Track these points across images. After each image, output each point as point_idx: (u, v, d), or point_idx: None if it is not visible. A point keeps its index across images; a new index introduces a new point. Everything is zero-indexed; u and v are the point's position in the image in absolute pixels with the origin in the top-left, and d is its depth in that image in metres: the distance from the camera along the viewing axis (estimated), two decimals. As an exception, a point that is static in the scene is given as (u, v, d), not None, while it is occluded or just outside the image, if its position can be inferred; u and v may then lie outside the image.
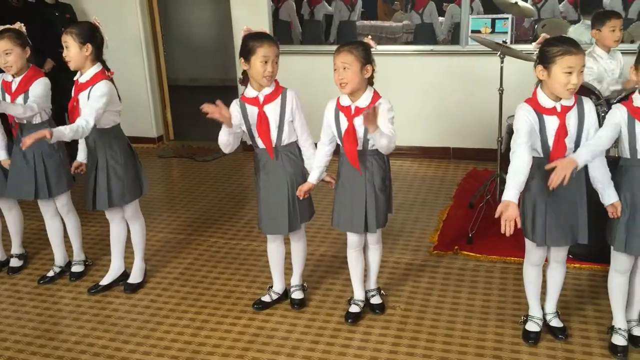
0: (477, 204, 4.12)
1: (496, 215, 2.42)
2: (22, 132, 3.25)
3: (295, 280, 3.25)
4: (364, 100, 2.76)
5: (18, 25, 3.28)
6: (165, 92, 6.36)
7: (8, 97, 3.25)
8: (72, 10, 5.65)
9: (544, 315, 2.91)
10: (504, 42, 4.08)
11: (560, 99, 2.52)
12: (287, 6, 5.71)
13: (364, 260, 3.10)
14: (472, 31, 5.14)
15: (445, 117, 5.40)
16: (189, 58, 8.85)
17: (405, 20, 5.63)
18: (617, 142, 2.60)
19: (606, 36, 3.83)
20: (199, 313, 3.22)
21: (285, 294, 3.28)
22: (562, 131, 2.52)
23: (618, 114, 2.51)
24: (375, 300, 3.16)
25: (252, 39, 2.81)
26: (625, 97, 3.33)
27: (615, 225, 2.60)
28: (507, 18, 5.06)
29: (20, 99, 3.22)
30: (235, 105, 2.92)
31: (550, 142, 2.54)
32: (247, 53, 2.81)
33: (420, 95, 5.40)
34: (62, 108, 3.76)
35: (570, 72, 2.43)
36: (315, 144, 2.99)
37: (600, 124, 2.60)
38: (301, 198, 2.95)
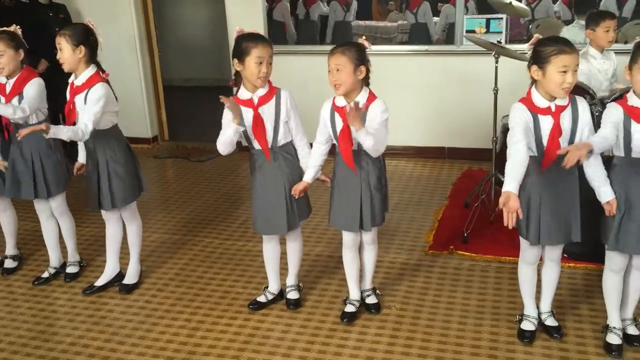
0: (472, 204, 4.13)
1: (500, 206, 2.40)
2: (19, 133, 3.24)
3: (291, 280, 3.25)
4: (360, 99, 2.76)
5: (13, 27, 3.27)
6: (160, 93, 6.35)
7: (3, 99, 3.24)
8: (66, 11, 5.64)
9: (539, 314, 2.92)
10: (499, 42, 4.09)
11: (555, 98, 2.53)
12: (281, 6, 5.71)
13: (359, 260, 3.10)
14: (467, 31, 5.15)
15: (440, 116, 5.41)
16: (184, 58, 8.83)
17: (400, 20, 5.63)
18: None
19: (600, 36, 3.84)
20: (194, 314, 3.21)
21: (281, 294, 3.28)
22: (556, 131, 2.53)
23: (615, 113, 2.52)
24: (371, 300, 3.16)
25: (246, 40, 2.80)
26: (619, 97, 3.34)
27: (609, 223, 2.61)
28: (502, 18, 5.07)
29: (15, 101, 3.21)
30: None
31: (545, 142, 2.56)
32: (241, 54, 2.80)
33: (415, 95, 5.41)
34: (56, 108, 3.75)
35: (565, 71, 2.44)
36: (311, 144, 2.99)
37: (594, 123, 2.61)
38: (296, 197, 2.95)
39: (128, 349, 2.94)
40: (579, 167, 2.63)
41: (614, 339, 2.75)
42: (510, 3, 4.34)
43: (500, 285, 3.36)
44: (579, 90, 3.59)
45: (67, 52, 3.02)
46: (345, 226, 2.94)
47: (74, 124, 3.04)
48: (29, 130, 2.89)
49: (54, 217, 3.52)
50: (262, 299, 3.24)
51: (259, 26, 5.54)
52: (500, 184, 4.07)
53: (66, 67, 3.07)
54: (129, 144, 3.30)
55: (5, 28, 3.24)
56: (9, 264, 3.73)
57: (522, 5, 4.66)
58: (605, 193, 2.59)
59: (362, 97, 2.77)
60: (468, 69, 5.21)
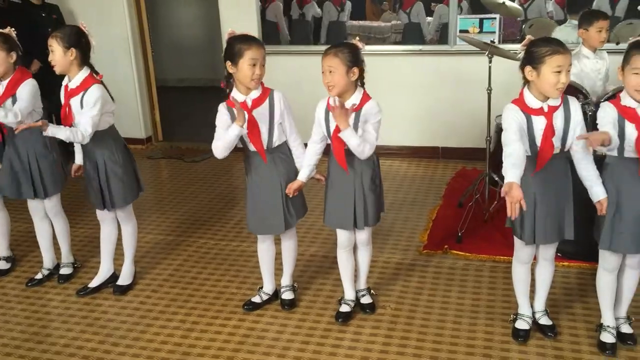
0: (466, 203, 4.14)
1: (502, 195, 2.38)
2: (13, 134, 3.24)
3: (286, 280, 3.25)
4: (353, 100, 2.77)
5: (8, 29, 3.25)
6: (154, 93, 6.33)
7: None
8: (59, 11, 5.62)
9: (533, 313, 2.93)
10: (492, 41, 4.10)
11: (547, 99, 2.54)
12: (273, 6, 5.69)
13: (354, 260, 3.10)
14: (460, 31, 5.16)
15: (434, 116, 5.42)
16: (177, 58, 8.82)
17: (393, 20, 5.63)
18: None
19: (593, 36, 3.86)
20: (188, 314, 3.20)
21: (276, 294, 3.27)
22: (549, 131, 2.54)
23: (610, 112, 2.53)
24: (366, 299, 3.17)
25: (239, 42, 2.79)
26: (612, 96, 3.36)
27: (601, 223, 2.63)
28: (495, 18, 5.08)
29: (8, 103, 3.19)
30: (223, 109, 2.88)
31: (538, 142, 2.56)
32: (234, 56, 2.77)
33: (409, 95, 5.42)
34: (50, 108, 3.74)
35: (559, 71, 2.45)
36: (305, 144, 2.99)
37: (588, 123, 2.62)
38: (291, 196, 2.95)
39: (122, 351, 2.93)
40: (572, 166, 2.65)
41: (607, 337, 2.76)
42: (504, 3, 4.35)
43: (495, 284, 3.37)
44: (572, 89, 3.61)
45: (58, 54, 3.01)
46: (339, 224, 2.94)
47: (71, 126, 3.04)
48: (26, 126, 2.95)
49: (47, 218, 3.51)
50: (256, 299, 3.24)
51: (253, 26, 5.55)
52: (494, 183, 4.12)
53: (58, 69, 3.06)
54: (126, 144, 3.30)
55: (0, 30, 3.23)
56: (2, 265, 3.71)
57: (515, 5, 4.67)
58: (596, 192, 2.60)
59: (356, 98, 2.77)
60: (461, 68, 5.22)
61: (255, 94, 2.86)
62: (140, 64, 6.09)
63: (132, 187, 3.28)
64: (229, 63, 2.81)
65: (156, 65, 6.44)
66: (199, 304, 3.30)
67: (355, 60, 2.71)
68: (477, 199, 4.06)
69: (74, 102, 3.06)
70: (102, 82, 3.10)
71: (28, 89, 3.20)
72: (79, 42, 3.04)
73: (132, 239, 3.44)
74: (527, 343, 2.84)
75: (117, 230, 3.43)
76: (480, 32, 5.12)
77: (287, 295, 3.23)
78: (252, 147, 2.92)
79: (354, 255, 3.09)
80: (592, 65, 3.90)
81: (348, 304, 3.12)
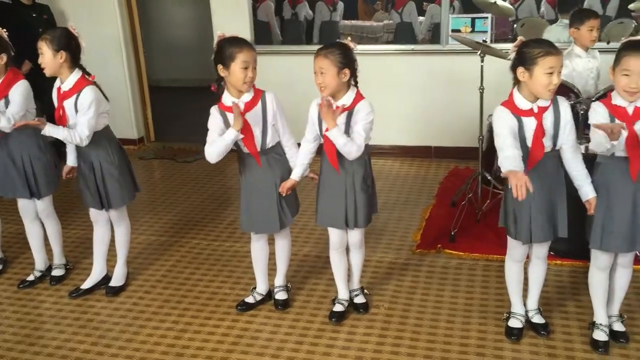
0: (459, 203, 4.15)
1: (509, 185, 2.39)
2: (6, 136, 3.23)
3: (279, 280, 3.25)
4: (346, 100, 2.77)
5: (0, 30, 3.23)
6: (146, 93, 6.31)
7: None
8: (50, 11, 5.58)
9: (526, 312, 2.94)
10: (484, 41, 4.11)
11: (537, 99, 2.55)
12: (264, 6, 5.68)
13: (346, 260, 3.10)
14: (453, 30, 5.17)
15: (427, 116, 5.43)
16: (170, 58, 8.79)
17: (385, 20, 5.64)
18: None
19: (584, 35, 3.87)
20: (182, 315, 3.19)
21: (269, 294, 3.27)
22: (539, 131, 2.55)
23: (601, 111, 2.54)
24: (359, 299, 3.17)
25: (230, 45, 2.76)
26: (604, 95, 3.37)
27: (592, 223, 2.64)
28: (487, 17, 5.09)
29: (1, 105, 3.17)
30: (216, 112, 2.87)
31: (529, 143, 2.57)
32: (225, 60, 2.75)
33: (402, 95, 5.42)
34: (42, 108, 3.71)
35: (551, 73, 2.47)
36: (298, 144, 2.99)
37: (579, 122, 2.63)
38: (284, 194, 2.94)
39: (115, 352, 2.92)
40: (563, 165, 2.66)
41: (600, 335, 2.78)
42: (495, 2, 4.36)
43: (488, 283, 3.38)
44: (564, 89, 3.62)
45: (48, 57, 3.00)
46: (330, 223, 2.94)
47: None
48: (23, 123, 2.98)
49: (38, 220, 3.48)
50: (250, 299, 3.23)
51: (245, 26, 5.54)
52: (487, 182, 4.13)
53: (48, 72, 3.06)
54: (120, 145, 3.29)
55: None
56: (-7, 267, 3.69)
57: (507, 4, 4.69)
58: (585, 192, 2.62)
59: (348, 98, 2.76)
60: (454, 68, 5.23)
61: (248, 97, 2.85)
62: (132, 64, 6.07)
63: (128, 187, 3.28)
64: (220, 67, 2.78)
65: (148, 65, 6.42)
66: (192, 305, 3.29)
67: (346, 61, 2.70)
68: (470, 198, 4.07)
69: (68, 104, 3.05)
70: (95, 83, 3.09)
71: (20, 90, 3.18)
72: (69, 44, 3.02)
73: (125, 240, 3.43)
74: (520, 342, 2.85)
75: (111, 232, 3.42)
76: (472, 31, 5.13)
77: (280, 295, 3.23)
78: (245, 150, 2.91)
79: (346, 256, 3.09)
80: (584, 64, 3.92)
81: (341, 304, 3.12)
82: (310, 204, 2.97)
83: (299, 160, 2.94)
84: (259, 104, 2.87)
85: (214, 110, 2.88)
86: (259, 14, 5.67)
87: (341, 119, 2.74)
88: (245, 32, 5.49)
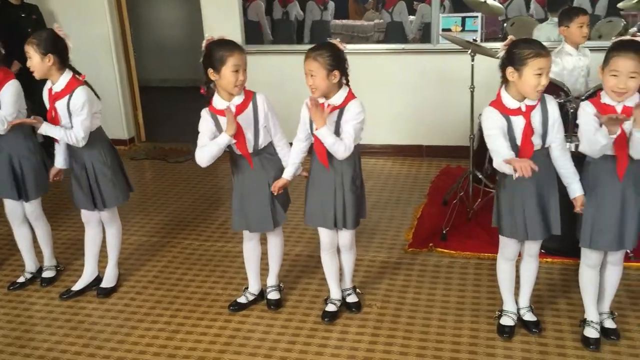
0: (450, 201, 4.16)
1: (514, 168, 2.41)
2: None
3: (272, 280, 3.24)
4: (337, 99, 2.77)
5: None
6: (136, 93, 6.28)
7: None
8: (39, 11, 5.54)
9: (518, 309, 2.95)
10: (474, 40, 4.13)
11: (524, 98, 2.57)
12: (255, 6, 5.67)
13: (338, 260, 3.10)
14: (443, 29, 5.18)
15: (418, 115, 5.44)
16: (160, 58, 8.75)
17: (376, 19, 5.64)
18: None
19: (574, 32, 3.89)
20: (174, 316, 3.18)
21: (261, 294, 3.27)
22: (528, 130, 2.56)
23: (589, 110, 2.55)
24: (352, 298, 3.17)
25: (220, 49, 2.74)
26: (593, 94, 3.39)
27: (581, 221, 2.65)
28: (477, 16, 5.11)
29: None
30: (207, 115, 2.86)
31: (519, 141, 2.59)
32: (216, 63, 2.74)
33: (393, 94, 5.43)
34: (32, 109, 3.69)
35: (540, 74, 2.48)
36: (290, 143, 2.98)
37: (569, 120, 2.64)
38: (275, 193, 2.94)
39: (107, 354, 2.90)
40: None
41: (591, 332, 2.79)
42: (485, 1, 4.38)
43: (480, 281, 3.39)
44: (554, 87, 3.64)
45: (36, 60, 2.99)
46: (319, 223, 2.94)
47: None
48: (19, 121, 3.00)
49: (26, 223, 3.46)
50: (242, 300, 3.23)
51: (235, 26, 5.52)
52: (478, 181, 4.14)
53: (37, 75, 3.05)
54: (113, 145, 3.28)
55: None
56: (-17, 269, 3.67)
57: (497, 3, 4.70)
58: (573, 190, 2.64)
59: (339, 97, 2.76)
60: (444, 67, 5.24)
61: (238, 99, 2.84)
62: (122, 64, 6.04)
63: (122, 187, 3.27)
64: (210, 71, 2.77)
65: (138, 65, 6.38)
66: (184, 306, 3.28)
67: (335, 63, 2.70)
68: (462, 197, 4.08)
69: (60, 105, 3.05)
70: (86, 82, 3.08)
71: (11, 91, 3.15)
72: (56, 46, 3.00)
73: (117, 241, 3.41)
74: (512, 339, 2.86)
75: (102, 233, 3.40)
76: (463, 30, 5.14)
77: (273, 295, 3.22)
78: (238, 152, 2.91)
79: (338, 256, 3.09)
80: (574, 62, 3.94)
81: (334, 304, 3.12)
82: (303, 203, 2.97)
83: (291, 160, 2.94)
84: (250, 106, 2.87)
85: (205, 113, 2.86)
86: (249, 14, 5.66)
87: (332, 117, 2.74)
88: (235, 31, 5.49)
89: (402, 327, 3.01)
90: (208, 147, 2.80)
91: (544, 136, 2.60)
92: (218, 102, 2.85)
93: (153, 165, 5.75)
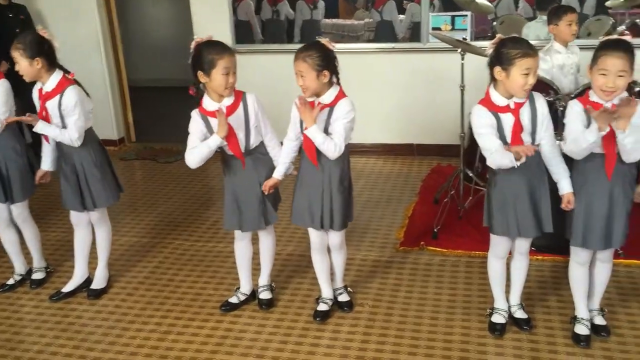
0: (441, 200, 4.17)
1: (517, 153, 2.45)
2: None
3: (263, 280, 3.24)
4: (328, 97, 2.76)
5: None
6: (126, 93, 6.25)
7: None
8: (27, 11, 5.50)
9: (509, 307, 2.96)
10: (464, 39, 4.14)
11: (512, 96, 2.58)
12: (244, 5, 5.65)
13: (328, 260, 3.10)
14: (433, 28, 5.19)
15: (409, 114, 5.44)
16: (149, 58, 8.71)
17: (366, 19, 5.65)
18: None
19: (563, 30, 3.91)
20: (165, 317, 3.17)
21: (253, 294, 3.26)
22: (517, 127, 2.58)
23: (576, 109, 2.57)
24: (343, 298, 3.17)
25: (210, 51, 2.72)
26: (582, 92, 3.41)
27: (572, 220, 2.67)
28: (466, 15, 5.12)
29: None
30: (197, 117, 2.85)
31: (508, 139, 2.60)
32: (206, 66, 2.72)
33: (383, 93, 5.43)
34: (22, 108, 3.66)
35: (527, 74, 2.50)
36: (281, 143, 2.98)
37: (558, 118, 2.66)
38: (266, 193, 2.94)
39: (98, 355, 2.89)
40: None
41: (581, 329, 2.81)
42: (474, 0, 4.39)
43: (471, 279, 3.40)
44: (543, 85, 3.66)
45: (24, 65, 2.98)
46: (304, 222, 2.94)
47: None
48: (16, 120, 3.01)
49: (13, 226, 3.42)
50: (234, 300, 3.22)
51: (225, 25, 5.51)
52: (469, 179, 4.15)
53: (27, 79, 3.05)
54: (102, 145, 3.27)
55: None
56: (-29, 271, 3.63)
57: (486, 2, 4.72)
58: (562, 187, 2.65)
59: (329, 96, 2.76)
60: (435, 66, 5.26)
61: (228, 100, 2.83)
62: (112, 64, 6.01)
63: (112, 187, 3.26)
64: (200, 73, 2.75)
65: (128, 65, 6.36)
66: (176, 306, 3.27)
67: (325, 63, 2.69)
68: (452, 195, 4.09)
69: (50, 105, 3.04)
70: (75, 81, 3.06)
71: (0, 91, 3.14)
72: (42, 49, 2.99)
73: (107, 243, 3.39)
74: (504, 337, 2.87)
75: (91, 234, 3.38)
76: (452, 29, 5.16)
77: (264, 295, 3.22)
78: (229, 152, 2.90)
79: (328, 256, 3.09)
80: (563, 60, 3.96)
81: (326, 303, 3.11)
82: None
83: (282, 159, 2.94)
84: (241, 106, 2.86)
85: (195, 115, 2.85)
86: (239, 13, 5.64)
87: (322, 116, 2.74)
88: (225, 31, 5.47)
89: (394, 325, 3.01)
90: (198, 148, 2.80)
91: (533, 133, 2.62)
92: (208, 103, 2.84)
93: (143, 165, 5.73)
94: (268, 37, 5.76)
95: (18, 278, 3.53)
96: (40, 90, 3.06)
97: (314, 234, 2.99)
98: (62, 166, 3.20)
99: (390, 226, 4.12)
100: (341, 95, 2.78)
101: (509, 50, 2.51)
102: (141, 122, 6.53)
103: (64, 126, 3.05)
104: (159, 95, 8.01)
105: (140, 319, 3.16)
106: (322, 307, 3.10)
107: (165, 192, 4.96)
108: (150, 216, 4.48)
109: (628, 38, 2.52)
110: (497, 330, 2.89)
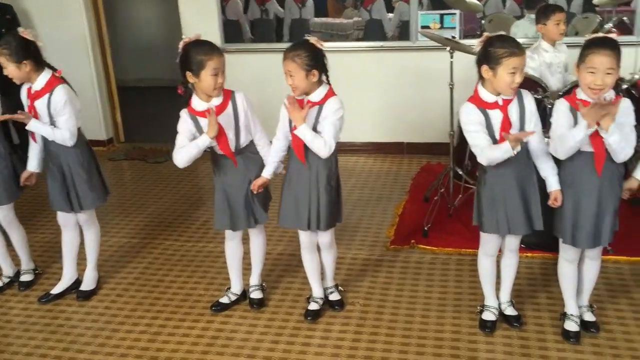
0: (431, 198, 4.18)
1: (510, 140, 2.49)
2: None
3: (254, 279, 3.23)
4: (317, 96, 2.76)
5: None
6: (114, 93, 6.21)
7: None
8: (13, 11, 5.45)
9: (499, 304, 2.97)
10: (453, 37, 4.15)
11: (500, 93, 2.59)
12: (232, 4, 5.64)
13: (318, 258, 3.09)
14: (422, 27, 5.20)
15: (398, 112, 5.45)
16: (138, 58, 8.66)
17: (355, 17, 5.65)
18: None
19: (551, 30, 3.93)
20: (155, 318, 3.16)
21: (244, 294, 3.25)
22: (506, 123, 2.59)
23: (562, 108, 2.58)
24: (334, 296, 3.17)
25: (199, 52, 2.71)
26: (569, 90, 3.43)
27: (561, 218, 2.68)
28: (455, 14, 5.14)
29: None
30: (186, 116, 2.84)
31: (497, 135, 2.61)
32: (194, 67, 2.71)
33: (373, 91, 5.43)
34: (10, 107, 3.63)
35: (514, 72, 2.51)
36: (271, 141, 2.97)
37: (546, 116, 2.67)
38: (255, 192, 2.93)
39: (88, 357, 2.87)
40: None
41: (571, 325, 2.82)
42: (463, -1, 4.40)
43: (461, 277, 3.41)
44: (531, 83, 3.67)
45: (12, 69, 2.96)
46: (292, 224, 2.93)
47: None
48: (7, 118, 2.98)
49: None
50: (224, 300, 3.21)
51: (214, 25, 5.49)
52: (458, 177, 4.17)
53: (17, 82, 3.03)
54: (90, 146, 3.24)
55: None
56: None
57: (475, 0, 4.73)
58: (550, 184, 2.67)
59: (318, 95, 2.76)
60: (424, 64, 5.26)
61: (217, 100, 2.83)
62: (99, 64, 5.96)
63: (99, 189, 3.24)
64: (189, 74, 2.74)
65: (116, 65, 6.32)
66: (166, 307, 3.25)
67: (313, 62, 2.69)
68: (442, 193, 4.10)
69: (39, 104, 3.02)
70: (63, 79, 3.05)
71: None
72: (28, 52, 2.96)
73: (95, 244, 3.37)
74: (494, 334, 2.88)
75: (79, 235, 3.36)
76: (441, 27, 5.17)
77: (255, 294, 3.21)
78: (219, 151, 2.89)
79: (318, 255, 3.09)
80: (551, 58, 3.98)
81: (317, 302, 3.11)
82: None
83: (270, 158, 2.94)
84: (230, 105, 2.85)
85: (184, 114, 2.84)
86: (227, 13, 5.63)
87: (311, 114, 2.74)
88: (214, 30, 5.45)
89: (385, 324, 3.01)
90: (187, 148, 2.79)
91: (521, 130, 2.62)
92: (197, 103, 2.83)
93: (132, 165, 5.70)
94: (257, 36, 5.76)
95: (6, 280, 3.50)
96: (29, 89, 3.04)
97: (303, 234, 2.98)
98: (49, 166, 3.18)
99: (380, 225, 4.13)
100: (330, 93, 2.78)
101: (495, 49, 2.52)
102: (130, 122, 6.49)
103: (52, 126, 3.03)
104: (147, 95, 7.97)
105: (130, 320, 3.14)
106: (313, 306, 3.10)
107: (155, 193, 4.94)
108: (140, 216, 4.46)
109: (614, 36, 2.54)
110: (487, 327, 2.90)
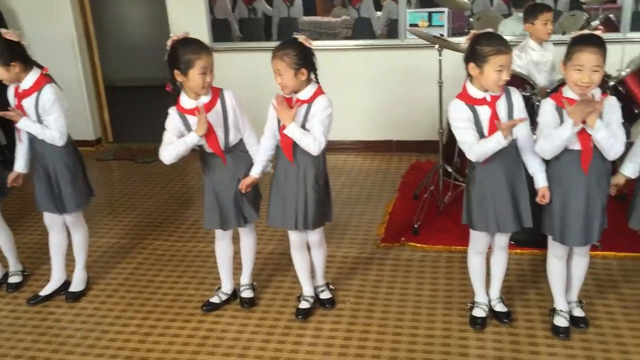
0: (421, 195, 4.19)
1: (502, 131, 2.51)
2: None
3: (245, 279, 3.22)
4: (306, 94, 2.76)
5: None
6: (102, 93, 6.17)
7: None
8: (-1, 10, 5.42)
9: (489, 301, 2.99)
10: (441, 35, 4.16)
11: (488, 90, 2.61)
12: (220, 3, 5.63)
13: (308, 257, 3.09)
14: (410, 25, 5.22)
15: (387, 110, 5.46)
16: (126, 58, 8.62)
17: (344, 16, 5.66)
18: None
19: (539, 29, 3.96)
20: (145, 318, 3.14)
21: (235, 294, 3.24)
22: (494, 119, 2.60)
23: (549, 107, 2.60)
24: (325, 295, 3.17)
25: (187, 51, 2.69)
26: (556, 88, 3.45)
27: (550, 217, 2.69)
28: (443, 12, 5.15)
29: None
30: (175, 114, 2.83)
31: (486, 132, 2.62)
32: (183, 66, 2.69)
33: (362, 90, 5.44)
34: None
35: (501, 70, 2.52)
36: (260, 139, 2.97)
37: (534, 113, 2.68)
38: (243, 192, 2.93)
39: (77, 359, 2.85)
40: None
41: (561, 321, 2.84)
42: (451, -4, 4.41)
43: (452, 274, 3.42)
44: (520, 80, 3.69)
45: (1, 72, 2.94)
46: (280, 223, 2.93)
47: None
48: (1, 113, 2.95)
49: None
50: (215, 299, 3.20)
51: (202, 24, 5.47)
52: (448, 175, 4.18)
53: (8, 83, 3.01)
54: (76, 147, 3.22)
55: None
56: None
57: (463, -2, 4.75)
58: (537, 180, 2.68)
59: (307, 93, 2.76)
60: (412, 62, 5.27)
61: (206, 98, 2.81)
62: (87, 63, 5.93)
63: (83, 191, 3.21)
64: (177, 72, 2.73)
65: (104, 64, 6.28)
66: (156, 308, 3.24)
67: (302, 61, 2.69)
68: (432, 191, 4.11)
69: (27, 103, 3.00)
70: (49, 76, 3.03)
71: None
72: (14, 52, 2.94)
73: (83, 245, 3.35)
74: (484, 330, 2.90)
75: (67, 236, 3.33)
76: (430, 26, 5.18)
77: (246, 293, 3.21)
78: (209, 149, 2.88)
79: (308, 254, 3.09)
80: (538, 57, 4.00)
81: (307, 301, 3.11)
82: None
83: (259, 157, 2.93)
84: (219, 103, 2.84)
85: (172, 111, 2.83)
86: (216, 12, 5.61)
87: (300, 112, 2.74)
88: (202, 29, 5.43)
89: (376, 322, 3.02)
90: (175, 145, 2.78)
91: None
92: (185, 101, 2.81)
93: (121, 165, 5.67)
94: (246, 35, 5.75)
95: (-6, 282, 3.48)
96: (17, 88, 3.02)
97: (292, 233, 2.98)
98: (36, 167, 3.15)
99: (370, 223, 4.13)
100: (319, 92, 2.78)
101: (482, 48, 2.53)
102: (118, 122, 6.46)
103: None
104: (136, 95, 7.94)
105: (120, 321, 3.13)
106: (304, 304, 3.10)
107: (144, 193, 4.91)
108: (129, 217, 4.43)
109: (600, 33, 2.56)
110: (478, 323, 2.92)
